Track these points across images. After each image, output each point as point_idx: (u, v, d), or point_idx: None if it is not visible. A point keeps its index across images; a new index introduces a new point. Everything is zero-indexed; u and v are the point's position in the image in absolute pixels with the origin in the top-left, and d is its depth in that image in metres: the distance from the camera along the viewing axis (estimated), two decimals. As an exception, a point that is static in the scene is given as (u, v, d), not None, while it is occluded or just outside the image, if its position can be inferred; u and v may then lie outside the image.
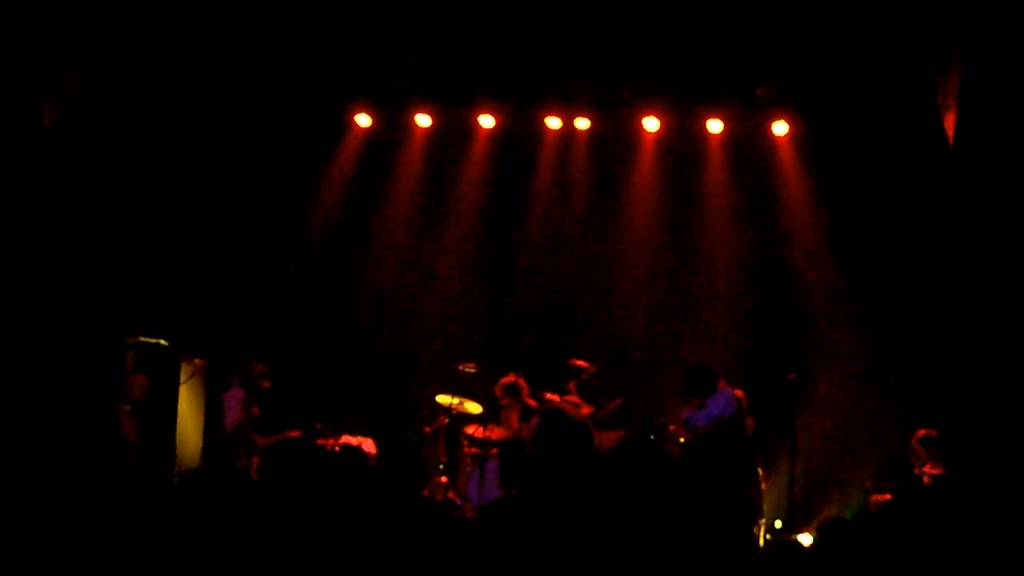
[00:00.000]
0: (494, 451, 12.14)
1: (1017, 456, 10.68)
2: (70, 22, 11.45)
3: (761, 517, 11.92)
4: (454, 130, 14.45)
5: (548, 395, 12.49)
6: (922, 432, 11.70)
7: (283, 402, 13.08)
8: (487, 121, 14.19)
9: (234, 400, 12.40)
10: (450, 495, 12.39)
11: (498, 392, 12.38)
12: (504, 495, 10.63)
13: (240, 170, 13.69)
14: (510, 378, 12.39)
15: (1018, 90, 10.96)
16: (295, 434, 12.63)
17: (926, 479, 11.53)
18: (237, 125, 13.45)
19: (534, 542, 3.88)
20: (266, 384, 12.53)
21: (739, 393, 10.91)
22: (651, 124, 13.92)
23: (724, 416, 10.69)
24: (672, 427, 11.86)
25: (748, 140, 14.05)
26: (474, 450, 12.43)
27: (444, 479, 12.51)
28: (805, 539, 10.18)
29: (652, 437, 11.83)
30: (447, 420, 12.68)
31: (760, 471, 11.62)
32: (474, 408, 12.60)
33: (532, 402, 12.29)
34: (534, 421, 11.48)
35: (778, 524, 12.25)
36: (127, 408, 11.96)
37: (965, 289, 12.27)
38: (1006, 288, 11.56)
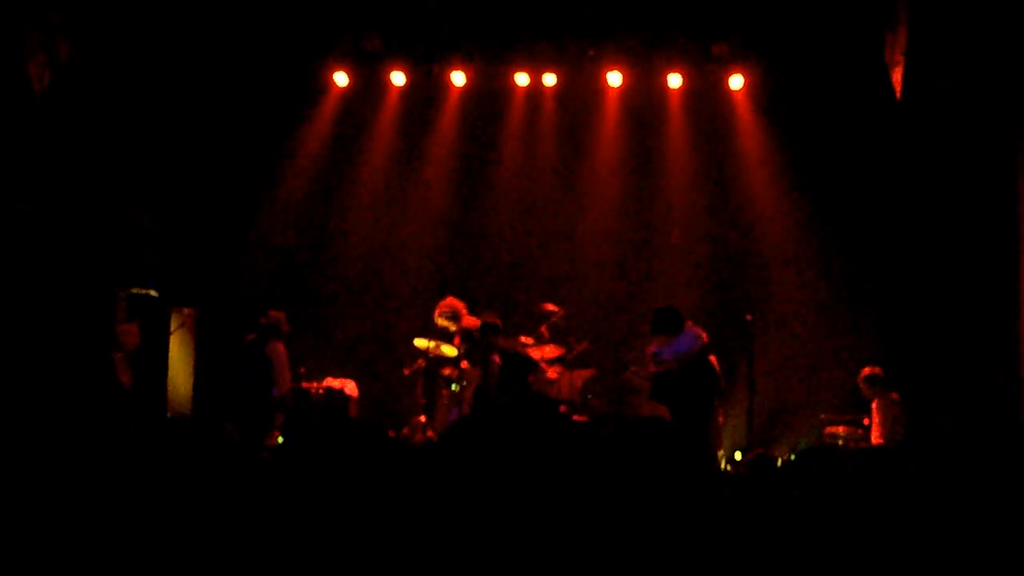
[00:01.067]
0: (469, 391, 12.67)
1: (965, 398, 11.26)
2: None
3: (720, 449, 12.52)
4: (427, 87, 14.77)
5: (523, 338, 13.02)
6: (867, 370, 12.18)
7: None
8: (459, 78, 14.57)
9: (284, 357, 12.72)
10: (428, 434, 12.62)
11: (437, 318, 12.63)
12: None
13: (225, 127, 13.95)
14: (446, 301, 12.72)
15: (961, 47, 11.46)
16: None
17: (874, 413, 12.13)
18: (221, 84, 13.70)
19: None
20: (287, 328, 12.93)
21: (702, 334, 11.35)
22: (614, 79, 14.36)
23: (691, 352, 11.13)
24: (633, 368, 12.41)
25: (706, 93, 14.46)
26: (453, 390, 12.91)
27: (423, 419, 12.77)
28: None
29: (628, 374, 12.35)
30: (424, 363, 12.91)
31: (721, 405, 12.15)
32: (450, 351, 12.79)
33: (470, 320, 12.62)
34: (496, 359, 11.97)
35: (737, 456, 12.77)
36: (120, 357, 12.19)
37: (913, 233, 12.78)
38: (950, 231, 12.11)
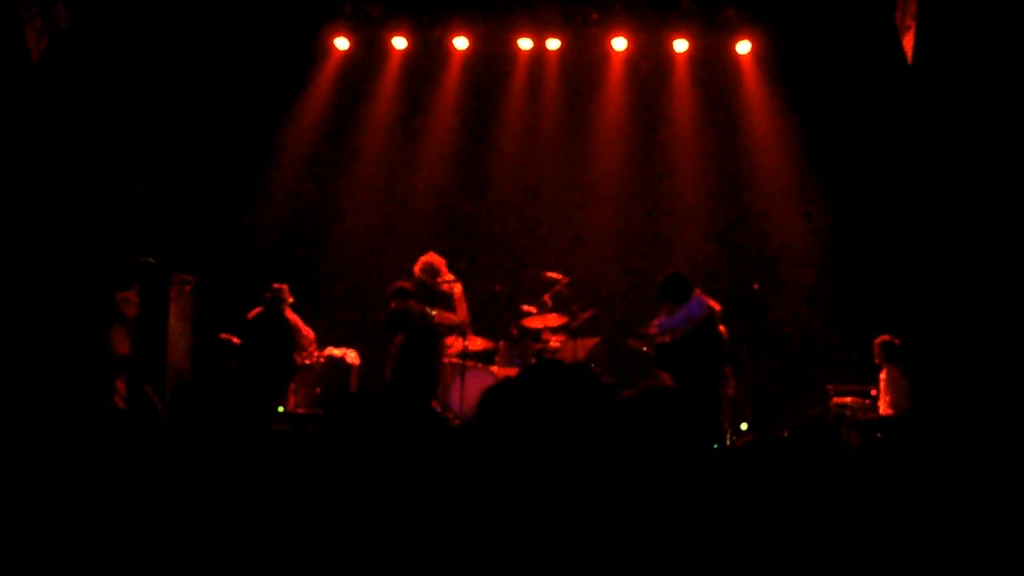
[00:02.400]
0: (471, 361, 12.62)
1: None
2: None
3: (726, 421, 12.41)
4: (429, 52, 14.67)
5: (524, 307, 12.93)
6: (884, 337, 12.03)
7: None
8: (461, 43, 14.43)
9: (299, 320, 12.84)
10: (431, 403, 12.74)
11: (416, 272, 12.52)
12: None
13: (225, 93, 13.79)
14: (426, 257, 12.62)
15: (974, 11, 11.30)
16: None
17: (882, 383, 12.02)
18: (222, 49, 13.52)
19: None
20: (291, 299, 12.88)
21: (715, 304, 11.20)
22: (619, 44, 14.21)
23: (697, 320, 10.99)
24: (640, 331, 12.26)
25: (713, 58, 14.34)
26: (453, 360, 12.87)
27: (426, 387, 12.82)
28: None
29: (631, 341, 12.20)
30: (427, 331, 12.97)
31: (730, 376, 12.06)
32: (453, 318, 12.76)
33: (449, 277, 12.58)
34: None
35: (743, 427, 12.68)
36: (119, 326, 12.13)
37: (924, 199, 12.68)
38: (963, 198, 12.00)
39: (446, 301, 12.44)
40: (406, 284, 12.26)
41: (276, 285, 12.70)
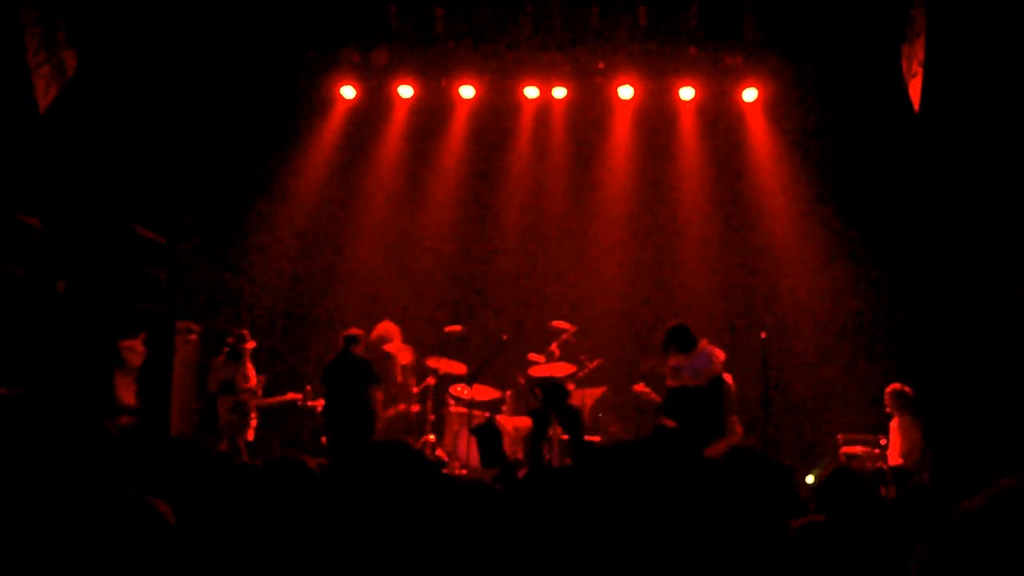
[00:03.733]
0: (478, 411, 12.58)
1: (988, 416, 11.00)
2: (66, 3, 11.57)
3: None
4: (436, 101, 14.67)
5: (532, 356, 12.85)
6: (895, 385, 11.88)
7: (276, 367, 13.40)
8: (467, 91, 14.42)
9: (219, 368, 12.87)
10: (438, 452, 12.64)
11: (373, 339, 12.93)
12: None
13: (232, 140, 13.84)
14: (381, 324, 13.10)
15: (981, 58, 11.26)
16: (295, 396, 12.97)
17: (893, 432, 11.89)
18: (229, 97, 13.53)
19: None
20: (251, 344, 12.83)
21: (720, 353, 11.10)
22: (626, 92, 14.21)
23: (709, 373, 10.88)
24: (640, 385, 12.15)
25: (719, 106, 14.31)
26: (460, 409, 12.80)
27: (432, 437, 12.73)
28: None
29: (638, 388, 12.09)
30: (434, 380, 12.91)
31: (739, 426, 11.95)
32: (459, 369, 12.85)
33: (395, 347, 12.94)
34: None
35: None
36: (123, 374, 12.05)
37: (934, 248, 12.59)
38: (973, 247, 11.90)
39: (386, 369, 12.76)
40: (358, 332, 12.47)
41: (236, 330, 12.77)
